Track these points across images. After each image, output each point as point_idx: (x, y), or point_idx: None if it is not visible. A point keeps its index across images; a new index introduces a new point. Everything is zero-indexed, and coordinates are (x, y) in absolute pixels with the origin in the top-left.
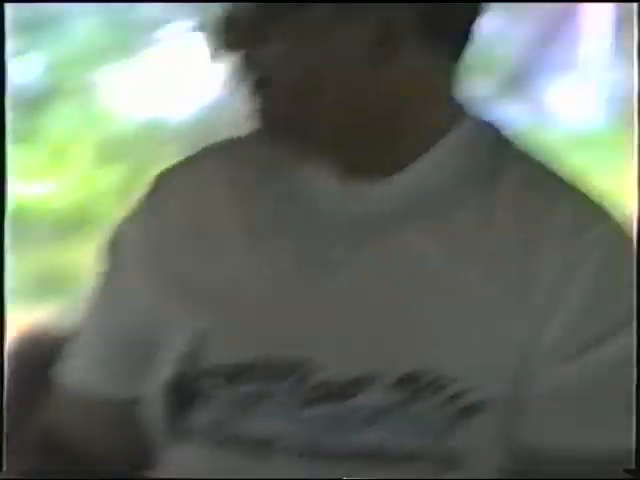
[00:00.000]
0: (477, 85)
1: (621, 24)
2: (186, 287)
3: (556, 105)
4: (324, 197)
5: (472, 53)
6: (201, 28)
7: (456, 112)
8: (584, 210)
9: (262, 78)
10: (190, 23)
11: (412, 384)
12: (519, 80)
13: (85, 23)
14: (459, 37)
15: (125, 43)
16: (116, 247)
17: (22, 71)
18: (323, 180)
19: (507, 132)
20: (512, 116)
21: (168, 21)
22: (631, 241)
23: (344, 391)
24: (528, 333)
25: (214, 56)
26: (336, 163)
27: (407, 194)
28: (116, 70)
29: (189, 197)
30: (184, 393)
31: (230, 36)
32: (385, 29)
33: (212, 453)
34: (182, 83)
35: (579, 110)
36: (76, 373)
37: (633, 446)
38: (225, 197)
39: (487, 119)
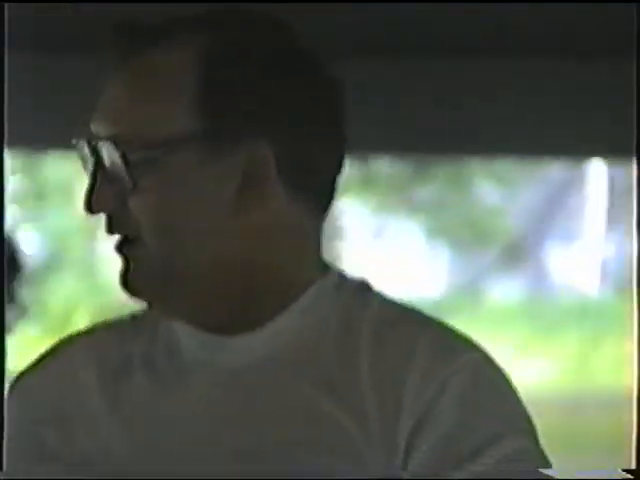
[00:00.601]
0: (479, 254)
1: (618, 195)
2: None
3: (557, 274)
4: (190, 350)
5: (474, 223)
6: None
7: (319, 266)
8: (445, 341)
9: (126, 238)
10: None
11: None
12: (520, 250)
13: None
14: (323, 189)
15: None
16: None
17: (25, 242)
18: (188, 335)
19: (367, 284)
20: (513, 285)
21: None
22: (497, 366)
23: None
24: (392, 464)
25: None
26: (201, 318)
27: (271, 345)
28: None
29: (55, 395)
30: None
31: (92, 198)
32: (251, 173)
33: None
34: None
35: (580, 279)
36: None
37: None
38: (93, 378)
39: (348, 274)
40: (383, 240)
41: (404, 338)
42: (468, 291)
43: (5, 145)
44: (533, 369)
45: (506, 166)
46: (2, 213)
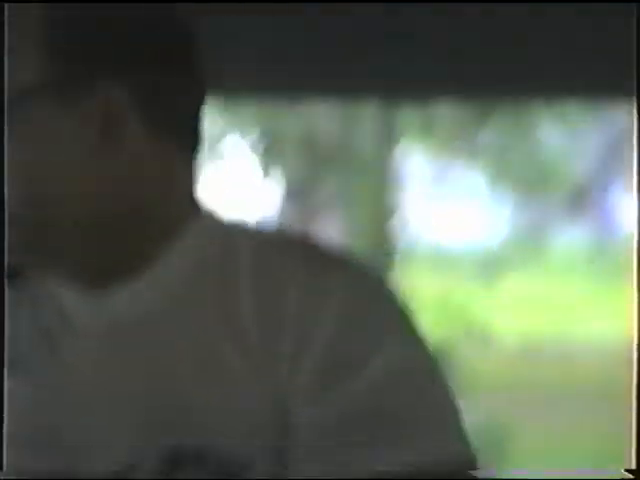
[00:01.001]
0: (543, 200)
1: None
2: None
3: (621, 221)
4: (75, 309)
5: (538, 167)
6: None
7: (191, 205)
8: (316, 263)
9: None
10: None
11: (175, 462)
12: (586, 197)
13: None
14: (184, 123)
15: None
16: None
17: None
18: (70, 293)
19: (242, 223)
20: (578, 233)
21: None
22: (376, 281)
23: None
24: (278, 388)
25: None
26: (78, 272)
27: (154, 292)
28: None
29: None
30: None
31: None
32: (107, 113)
33: None
34: None
35: None
36: None
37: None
38: None
39: (221, 214)
40: (444, 186)
41: (281, 264)
42: (531, 238)
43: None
44: (598, 320)
45: (572, 109)
46: (2, 213)
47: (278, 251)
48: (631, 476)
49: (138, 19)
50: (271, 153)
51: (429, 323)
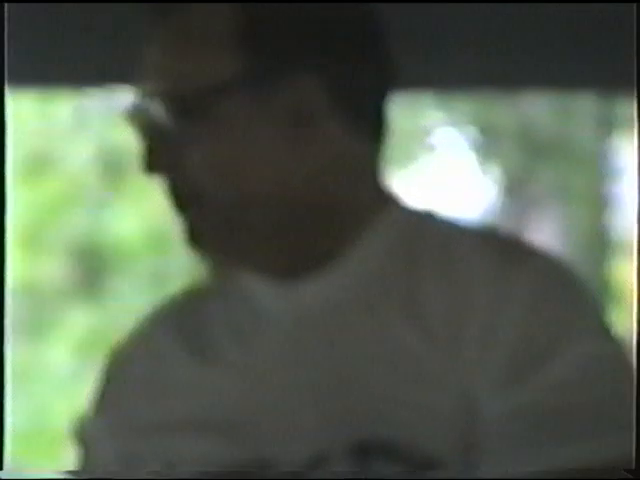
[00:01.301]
0: None
1: None
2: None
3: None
4: (266, 300)
5: None
6: None
7: (382, 198)
8: (508, 250)
9: (188, 194)
10: None
11: (365, 454)
12: None
13: None
14: (375, 115)
15: None
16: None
17: None
18: (262, 285)
19: (432, 216)
20: None
21: None
22: (565, 272)
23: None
24: (466, 379)
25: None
26: (270, 264)
27: (336, 286)
28: None
29: (145, 371)
30: None
31: (150, 160)
32: (300, 108)
33: None
34: None
35: None
36: None
37: (633, 450)
38: (177, 347)
39: (412, 206)
40: None
41: (467, 257)
42: None
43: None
44: None
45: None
46: (3, 209)
47: (466, 242)
48: (631, 476)
49: (327, 13)
50: (486, 147)
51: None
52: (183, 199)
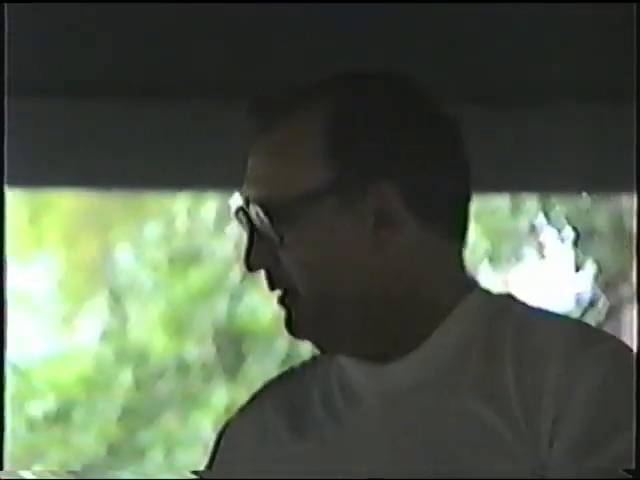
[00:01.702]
0: None
1: None
2: None
3: None
4: (358, 382)
5: None
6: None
7: (462, 288)
8: (579, 336)
9: (285, 289)
10: None
11: None
12: None
13: None
14: (453, 214)
15: None
16: None
17: None
18: (354, 368)
19: (510, 296)
20: None
21: None
22: (631, 354)
23: None
24: (538, 456)
25: None
26: (361, 350)
27: (426, 367)
28: None
29: (251, 442)
30: None
31: (249, 257)
32: (382, 211)
33: None
34: None
35: None
36: None
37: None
38: (280, 422)
39: (493, 293)
40: None
41: (541, 340)
42: None
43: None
44: None
45: None
46: (2, 221)
47: (542, 325)
48: (631, 476)
49: (404, 127)
50: (584, 246)
51: None
52: (281, 293)
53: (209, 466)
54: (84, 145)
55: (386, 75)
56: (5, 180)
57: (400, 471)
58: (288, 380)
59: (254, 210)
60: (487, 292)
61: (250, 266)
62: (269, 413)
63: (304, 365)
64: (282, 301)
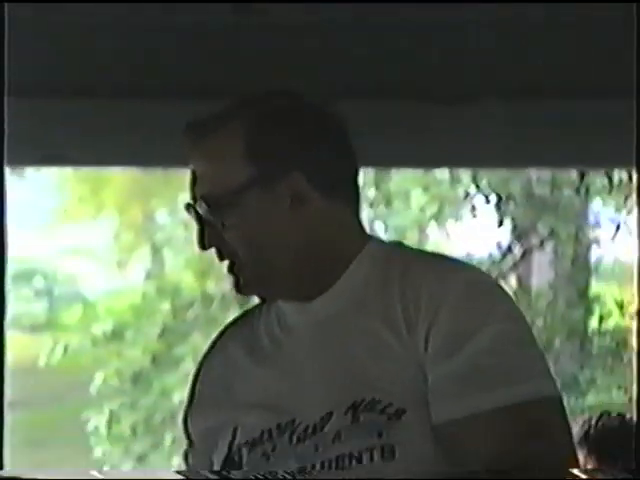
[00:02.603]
0: None
1: None
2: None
3: None
4: (284, 318)
5: None
6: None
7: (361, 241)
8: (448, 268)
9: (232, 261)
10: None
11: (356, 410)
12: None
13: None
14: (347, 188)
15: None
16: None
17: None
18: (287, 307)
19: (397, 247)
20: None
21: None
22: (489, 279)
23: (317, 428)
24: (419, 355)
25: None
26: (291, 294)
27: (337, 301)
28: None
29: (221, 371)
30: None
31: (201, 240)
32: (294, 194)
33: None
34: None
35: None
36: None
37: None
38: (241, 352)
39: (384, 241)
40: None
41: (419, 272)
42: None
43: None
44: None
45: None
46: (3, 217)
47: (417, 265)
48: (631, 476)
49: (305, 129)
50: (504, 208)
51: None
52: (229, 264)
53: (190, 396)
54: (133, 132)
55: (285, 93)
56: (72, 160)
57: (319, 377)
58: (242, 321)
59: (199, 204)
60: (380, 241)
61: (203, 247)
62: (231, 347)
63: (253, 309)
64: (230, 270)
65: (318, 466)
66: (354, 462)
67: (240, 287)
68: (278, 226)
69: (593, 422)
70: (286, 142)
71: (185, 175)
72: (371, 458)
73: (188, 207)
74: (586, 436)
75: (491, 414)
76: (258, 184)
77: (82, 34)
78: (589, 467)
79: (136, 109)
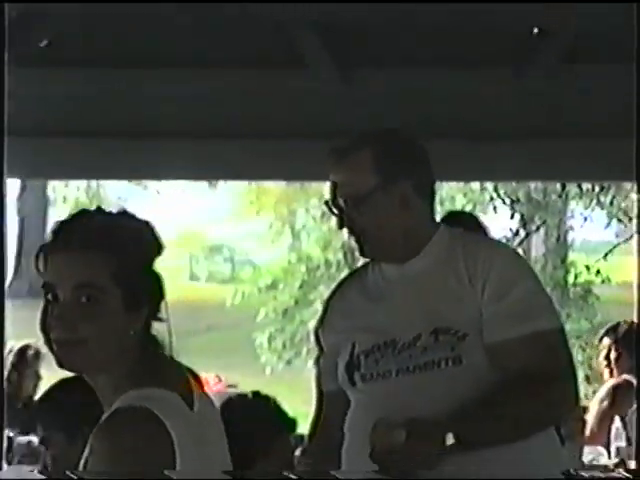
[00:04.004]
0: None
1: None
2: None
3: None
4: (385, 273)
5: None
6: None
7: (435, 226)
8: (493, 245)
9: (358, 236)
10: None
11: (437, 334)
12: None
13: None
14: (431, 194)
15: None
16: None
17: None
18: (386, 266)
19: (461, 231)
20: None
21: None
22: (520, 257)
23: (411, 344)
24: (477, 299)
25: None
26: (388, 258)
27: (420, 265)
28: None
29: (345, 302)
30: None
31: (341, 223)
32: (401, 197)
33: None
34: None
35: None
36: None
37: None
38: (356, 292)
39: (450, 228)
40: None
41: (476, 248)
42: None
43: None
44: None
45: None
46: (2, 215)
47: (472, 241)
48: (631, 476)
49: (408, 153)
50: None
51: None
52: (356, 238)
53: (320, 321)
54: (281, 157)
55: (395, 131)
56: (246, 177)
57: (410, 313)
58: (352, 276)
59: (341, 201)
60: (447, 227)
61: (340, 227)
62: (346, 291)
63: (359, 269)
64: (358, 241)
65: (411, 369)
66: (435, 367)
67: (364, 252)
68: (391, 217)
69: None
70: (399, 163)
71: (314, 186)
72: (446, 364)
73: (326, 203)
74: None
75: (521, 339)
76: (380, 190)
77: None
78: None
79: (283, 147)
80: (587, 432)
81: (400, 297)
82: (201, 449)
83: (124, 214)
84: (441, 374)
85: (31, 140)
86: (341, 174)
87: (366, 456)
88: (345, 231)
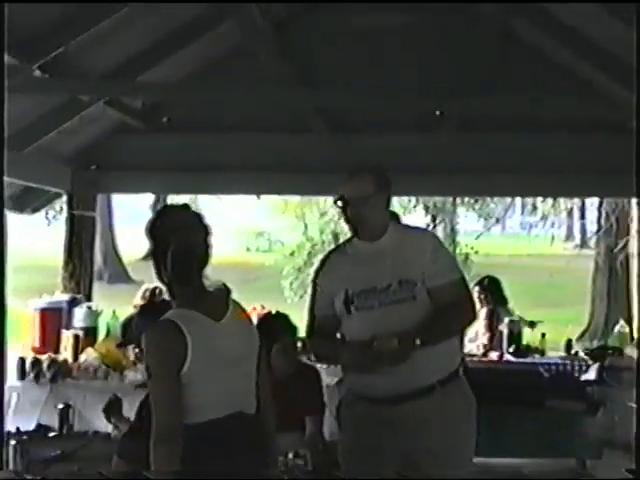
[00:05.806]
0: None
1: None
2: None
3: None
4: (361, 248)
5: None
6: None
7: (390, 219)
8: (425, 232)
9: (355, 224)
10: None
11: (401, 282)
12: None
13: None
14: (390, 196)
15: None
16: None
17: None
18: (360, 243)
19: (405, 225)
20: None
21: None
22: (438, 237)
23: (385, 289)
24: (423, 263)
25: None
26: (370, 237)
27: (382, 245)
28: None
29: (332, 266)
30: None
31: (346, 216)
32: (387, 197)
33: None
34: None
35: None
36: None
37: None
38: (340, 258)
39: (398, 221)
40: None
41: (414, 233)
42: None
43: (5, 147)
44: None
45: None
46: (2, 213)
47: (414, 230)
48: (631, 476)
49: (385, 176)
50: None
51: None
52: (352, 227)
53: (316, 274)
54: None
55: (380, 166)
56: (273, 192)
57: (376, 276)
58: (338, 249)
59: (348, 201)
60: (397, 221)
61: (347, 220)
62: (334, 258)
63: (342, 244)
64: (354, 228)
65: (386, 303)
66: (401, 302)
67: (358, 234)
68: (378, 212)
69: None
70: (384, 183)
71: (314, 200)
72: (407, 300)
73: (335, 202)
74: None
75: (446, 284)
76: (374, 196)
77: None
78: None
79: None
80: (474, 334)
81: (376, 262)
82: (212, 345)
83: (198, 215)
84: (405, 306)
85: None
86: (350, 186)
87: (362, 360)
88: (335, 222)
